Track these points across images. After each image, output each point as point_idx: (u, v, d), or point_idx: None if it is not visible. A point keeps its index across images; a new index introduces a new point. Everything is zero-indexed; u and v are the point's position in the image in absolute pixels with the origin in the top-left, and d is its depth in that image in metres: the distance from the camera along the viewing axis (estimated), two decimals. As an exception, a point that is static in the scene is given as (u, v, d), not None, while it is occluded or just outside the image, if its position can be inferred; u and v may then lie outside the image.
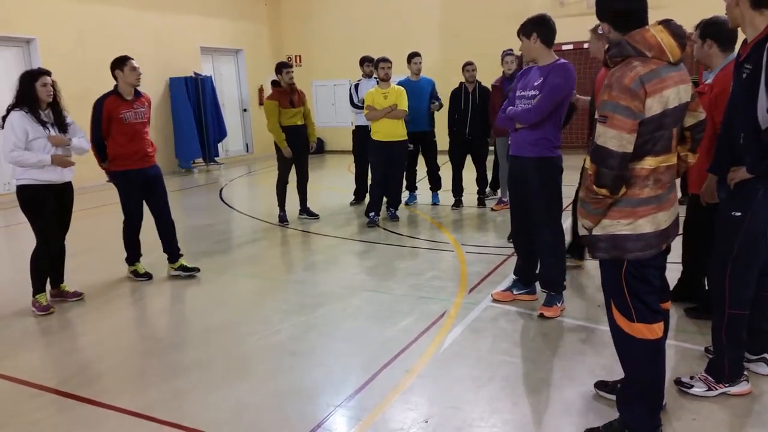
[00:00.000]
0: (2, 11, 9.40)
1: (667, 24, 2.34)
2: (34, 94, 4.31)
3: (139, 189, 5.04)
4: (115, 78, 4.90)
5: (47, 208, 4.42)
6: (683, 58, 2.38)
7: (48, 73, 4.42)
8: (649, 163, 2.36)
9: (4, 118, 4.33)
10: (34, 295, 4.47)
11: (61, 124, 4.50)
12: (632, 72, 2.27)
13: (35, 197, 4.37)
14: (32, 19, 9.81)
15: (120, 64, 4.86)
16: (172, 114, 12.36)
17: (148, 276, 5.22)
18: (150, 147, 5.08)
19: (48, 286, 4.62)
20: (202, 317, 4.33)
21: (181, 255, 5.33)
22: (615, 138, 2.27)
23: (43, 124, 4.35)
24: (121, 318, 4.47)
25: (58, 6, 10.20)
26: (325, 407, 2.98)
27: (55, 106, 4.48)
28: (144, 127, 5.01)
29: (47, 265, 4.55)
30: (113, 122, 4.86)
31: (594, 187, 2.36)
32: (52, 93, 4.40)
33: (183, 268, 5.27)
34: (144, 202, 5.14)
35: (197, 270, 5.29)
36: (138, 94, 5.03)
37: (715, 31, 3.40)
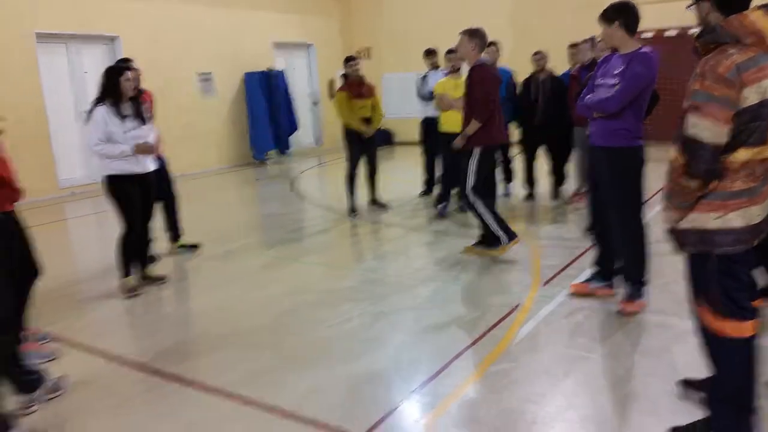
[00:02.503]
0: (90, 12, 9.95)
1: None
2: (118, 89, 4.51)
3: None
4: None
5: (131, 196, 4.63)
6: None
7: (131, 68, 4.63)
8: (742, 155, 2.24)
9: (89, 112, 4.57)
10: (121, 278, 4.73)
11: (141, 117, 4.72)
12: (728, 60, 2.15)
13: (120, 187, 4.59)
14: (116, 18, 10.32)
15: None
16: (247, 108, 12.72)
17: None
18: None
19: (134, 271, 4.87)
20: (277, 303, 4.45)
21: (180, 236, 5.97)
22: (708, 129, 2.17)
23: (123, 117, 4.56)
24: (201, 301, 4.66)
25: (139, 5, 10.68)
26: (397, 393, 3.01)
27: (135, 99, 4.70)
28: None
29: (133, 250, 4.79)
30: None
31: (682, 179, 2.26)
32: (134, 87, 4.61)
33: (183, 246, 5.95)
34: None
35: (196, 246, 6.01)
36: (141, 92, 5.21)
37: None
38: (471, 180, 5.14)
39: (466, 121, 5.17)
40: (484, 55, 5.31)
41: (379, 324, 3.96)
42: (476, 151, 5.13)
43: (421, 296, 4.46)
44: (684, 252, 2.46)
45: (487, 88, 5.07)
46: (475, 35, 5.12)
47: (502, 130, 5.25)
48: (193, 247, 5.98)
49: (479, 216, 5.22)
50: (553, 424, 2.69)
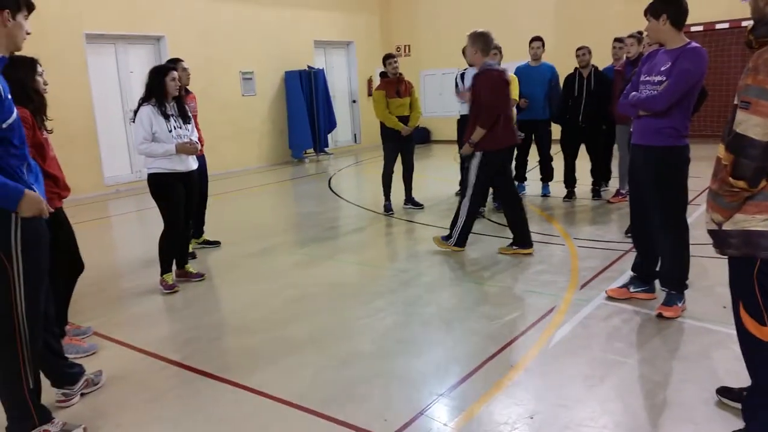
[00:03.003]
0: (137, 12, 10.22)
1: None
2: (163, 89, 4.61)
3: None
4: None
5: (174, 194, 4.72)
6: None
7: (176, 68, 4.73)
8: None
9: (135, 112, 4.68)
10: (161, 275, 4.83)
11: (184, 116, 4.81)
12: None
13: (164, 184, 4.69)
14: (162, 18, 10.59)
15: (172, 64, 5.29)
16: (286, 106, 12.86)
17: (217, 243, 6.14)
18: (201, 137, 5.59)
19: (174, 267, 4.98)
20: (311, 301, 4.48)
21: (203, 233, 6.14)
22: (759, 126, 2.08)
23: (168, 116, 4.65)
24: (237, 298, 4.72)
25: (185, 5, 10.92)
26: (428, 395, 2.99)
27: (179, 98, 4.79)
28: (195, 118, 5.51)
29: (174, 247, 4.90)
30: None
31: (730, 179, 2.17)
32: (179, 87, 4.71)
33: (206, 242, 6.14)
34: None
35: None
36: (187, 92, 5.57)
37: None
38: (471, 182, 5.24)
39: (472, 128, 5.17)
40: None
41: (411, 324, 3.95)
42: (478, 155, 5.18)
43: (455, 296, 4.42)
44: (726, 255, 2.37)
45: (493, 95, 5.04)
46: (477, 39, 5.06)
47: (508, 133, 5.22)
48: (215, 243, 6.11)
49: (458, 211, 5.37)
50: (585, 431, 2.62)
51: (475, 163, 5.21)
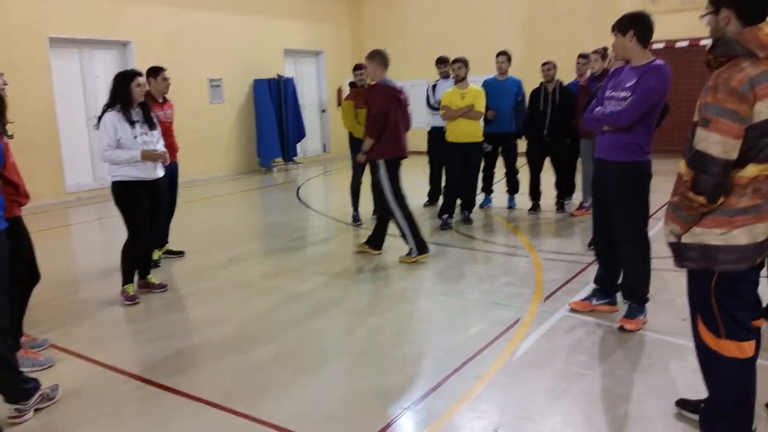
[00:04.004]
0: (103, 17, 10.03)
1: None
2: (128, 95, 4.53)
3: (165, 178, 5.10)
4: (148, 83, 5.12)
5: (139, 202, 4.63)
6: None
7: (141, 74, 4.66)
8: (750, 171, 2.21)
9: (100, 118, 4.58)
10: (122, 286, 4.71)
11: (150, 122, 4.73)
12: (741, 74, 2.12)
13: (128, 192, 4.59)
14: (129, 23, 10.41)
15: (154, 73, 5.47)
16: (255, 115, 12.75)
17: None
18: (175, 143, 5.74)
19: (135, 278, 4.86)
20: (277, 312, 4.43)
21: (167, 242, 5.99)
22: (718, 143, 2.14)
23: (133, 123, 4.57)
24: (201, 309, 4.65)
25: (152, 11, 10.76)
26: (393, 409, 2.98)
27: (144, 104, 4.71)
28: (171, 125, 5.68)
29: (136, 257, 4.78)
30: None
31: (690, 194, 2.22)
32: (144, 93, 4.63)
33: (169, 252, 5.99)
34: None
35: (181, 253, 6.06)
36: (165, 100, 5.67)
37: None
38: (387, 189, 5.54)
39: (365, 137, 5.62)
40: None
41: (378, 337, 3.93)
42: (381, 163, 5.55)
43: (421, 309, 4.43)
44: (685, 267, 2.42)
45: (379, 107, 5.42)
46: (375, 56, 5.47)
47: (397, 145, 5.63)
48: (179, 253, 6.01)
49: (396, 223, 5.59)
50: (548, 443, 2.65)
51: (383, 174, 5.54)
